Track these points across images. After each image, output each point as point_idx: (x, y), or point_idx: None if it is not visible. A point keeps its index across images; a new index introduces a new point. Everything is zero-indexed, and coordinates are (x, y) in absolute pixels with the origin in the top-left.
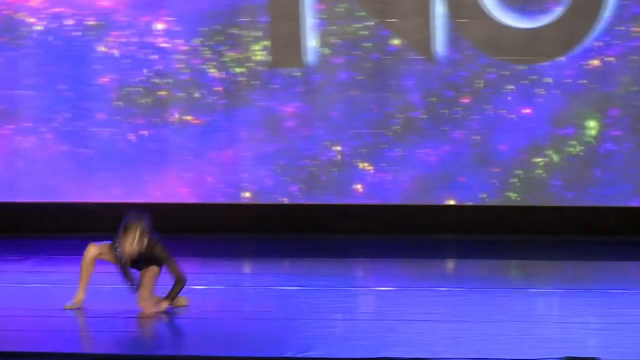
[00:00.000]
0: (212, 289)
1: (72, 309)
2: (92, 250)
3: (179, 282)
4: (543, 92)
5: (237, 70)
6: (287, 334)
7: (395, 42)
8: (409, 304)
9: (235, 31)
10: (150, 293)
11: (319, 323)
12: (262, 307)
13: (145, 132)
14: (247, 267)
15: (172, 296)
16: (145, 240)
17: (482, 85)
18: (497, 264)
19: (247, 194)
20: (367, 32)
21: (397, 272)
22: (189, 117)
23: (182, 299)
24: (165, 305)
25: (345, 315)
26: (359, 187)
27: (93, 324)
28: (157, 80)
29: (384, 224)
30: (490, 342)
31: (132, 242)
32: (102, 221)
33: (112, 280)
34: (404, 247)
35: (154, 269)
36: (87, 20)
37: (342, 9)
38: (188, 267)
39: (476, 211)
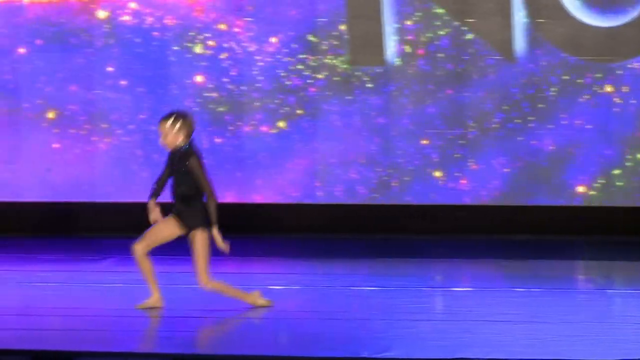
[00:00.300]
0: (290, 289)
1: (144, 308)
2: (137, 247)
3: (211, 201)
4: (627, 90)
5: (314, 72)
6: (364, 335)
7: (476, 42)
8: (485, 305)
9: (313, 33)
10: (206, 265)
11: (395, 323)
12: (339, 307)
13: (220, 137)
14: (324, 268)
15: (215, 220)
16: (185, 136)
17: (563, 84)
18: (574, 264)
19: (323, 194)
20: (446, 32)
21: (474, 272)
22: (266, 120)
23: (263, 300)
24: (219, 236)
25: (422, 316)
26: (441, 182)
27: (172, 324)
28: (233, 86)
29: (460, 224)
30: (567, 343)
31: (173, 131)
32: None
33: (187, 280)
34: (481, 247)
35: (200, 238)
36: (167, 22)
37: (422, 9)
38: (266, 267)
39: (552, 212)
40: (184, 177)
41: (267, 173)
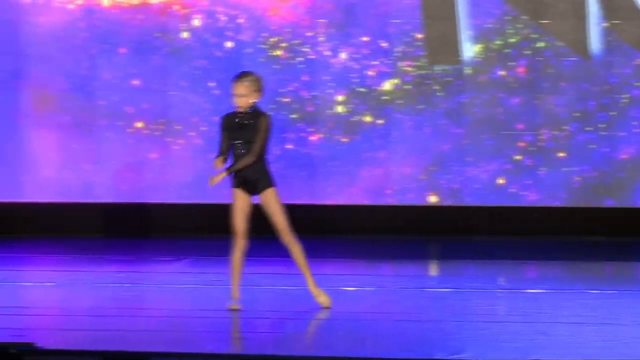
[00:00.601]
0: (363, 290)
1: (233, 309)
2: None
3: (251, 157)
4: None
5: (386, 78)
6: (437, 336)
7: (550, 43)
8: (559, 307)
9: (388, 38)
10: (285, 220)
11: (469, 325)
12: (412, 308)
13: (291, 143)
14: (397, 269)
15: (234, 168)
16: (258, 97)
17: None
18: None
19: (392, 196)
20: (521, 33)
21: (548, 274)
22: (339, 124)
23: (325, 298)
24: (219, 178)
25: (496, 318)
26: (509, 187)
27: (248, 324)
28: (307, 91)
29: (532, 226)
30: None
31: (249, 91)
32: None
33: (271, 281)
34: (554, 249)
35: (273, 196)
36: (243, 24)
37: (497, 9)
38: (340, 268)
39: (626, 213)
40: (252, 136)
41: (339, 176)
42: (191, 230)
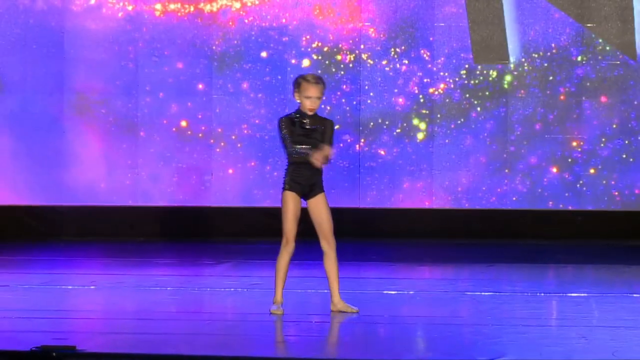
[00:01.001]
0: (404, 294)
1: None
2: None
3: (326, 149)
4: None
5: (448, 83)
6: (479, 339)
7: (597, 45)
8: (601, 310)
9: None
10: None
11: (509, 328)
12: (454, 312)
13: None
14: (439, 272)
15: (325, 163)
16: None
17: None
18: None
19: (436, 199)
20: (567, 35)
21: (590, 277)
22: (404, 129)
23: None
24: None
25: (537, 321)
26: (561, 187)
27: (291, 328)
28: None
29: (578, 230)
30: None
31: (321, 93)
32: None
33: (306, 284)
34: (597, 252)
35: (324, 200)
36: (290, 28)
37: (541, 12)
38: (381, 271)
39: None
40: (319, 140)
41: (409, 180)
42: (234, 234)
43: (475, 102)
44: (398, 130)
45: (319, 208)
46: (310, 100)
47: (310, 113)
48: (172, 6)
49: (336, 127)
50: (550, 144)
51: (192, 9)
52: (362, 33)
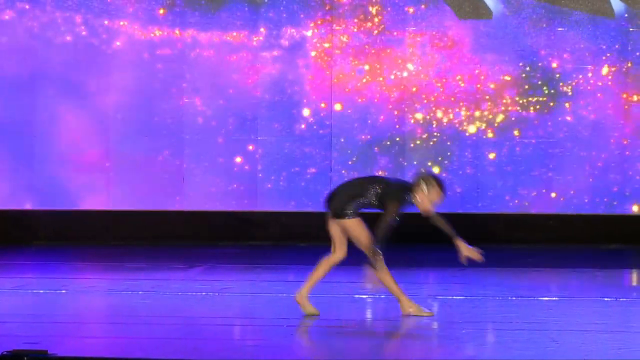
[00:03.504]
0: (376, 297)
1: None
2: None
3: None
4: None
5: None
6: (451, 342)
7: None
8: (572, 314)
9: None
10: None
11: (482, 332)
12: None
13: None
14: (410, 276)
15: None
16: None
17: None
18: None
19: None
20: None
21: (561, 281)
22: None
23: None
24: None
25: (509, 325)
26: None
27: (258, 332)
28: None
29: (549, 234)
30: None
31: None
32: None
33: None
34: (571, 256)
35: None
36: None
37: None
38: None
39: None
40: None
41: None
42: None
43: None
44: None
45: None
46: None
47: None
48: None
49: None
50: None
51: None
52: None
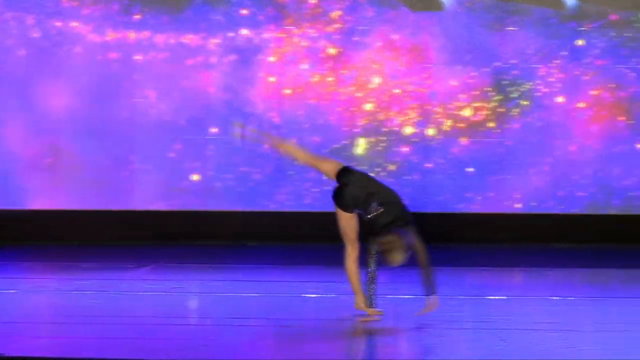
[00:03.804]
0: (324, 297)
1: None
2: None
3: None
4: None
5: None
6: (399, 342)
7: None
8: (520, 313)
9: None
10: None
11: (430, 331)
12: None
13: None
14: None
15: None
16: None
17: None
18: (612, 273)
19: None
20: None
21: (511, 280)
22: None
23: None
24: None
25: (457, 324)
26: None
27: (206, 332)
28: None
29: (499, 232)
30: (601, 352)
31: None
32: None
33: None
34: (520, 255)
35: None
36: None
37: None
38: (304, 275)
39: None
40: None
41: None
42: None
43: None
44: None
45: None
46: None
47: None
48: None
49: None
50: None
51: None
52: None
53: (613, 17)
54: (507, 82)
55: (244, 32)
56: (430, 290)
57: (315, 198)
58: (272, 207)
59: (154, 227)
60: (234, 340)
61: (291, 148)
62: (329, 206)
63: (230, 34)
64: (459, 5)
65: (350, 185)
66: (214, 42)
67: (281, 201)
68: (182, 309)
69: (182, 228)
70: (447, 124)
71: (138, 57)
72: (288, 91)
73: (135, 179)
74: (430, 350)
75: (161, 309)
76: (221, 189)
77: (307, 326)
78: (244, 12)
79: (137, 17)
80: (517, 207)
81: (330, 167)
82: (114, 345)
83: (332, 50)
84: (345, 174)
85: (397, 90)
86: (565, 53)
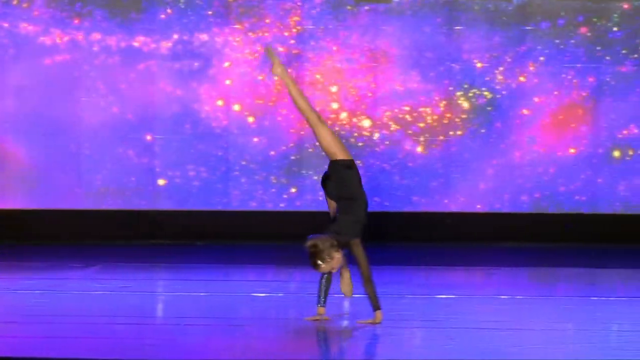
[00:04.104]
0: (273, 296)
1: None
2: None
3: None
4: None
5: None
6: (347, 341)
7: None
8: (468, 312)
9: None
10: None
11: (378, 330)
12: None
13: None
14: (310, 274)
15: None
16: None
17: None
18: (561, 271)
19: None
20: None
21: (459, 280)
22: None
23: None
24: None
25: (405, 323)
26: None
27: (155, 331)
28: None
29: (447, 233)
30: (548, 351)
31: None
32: None
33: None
34: (467, 254)
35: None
36: None
37: None
38: (251, 274)
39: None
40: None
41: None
42: (105, 237)
43: None
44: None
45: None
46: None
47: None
48: None
49: None
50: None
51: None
52: None
53: (561, 21)
54: (455, 87)
55: (196, 34)
56: (374, 305)
57: (262, 198)
58: (220, 207)
59: (102, 226)
60: (182, 340)
61: (311, 116)
62: (275, 205)
63: (175, 37)
64: (409, 6)
65: (332, 180)
66: (165, 44)
67: (229, 201)
68: (130, 309)
69: (130, 227)
70: (393, 127)
71: (87, 58)
72: (237, 93)
73: (83, 179)
74: (379, 349)
75: (108, 308)
76: (169, 188)
77: (257, 325)
78: (192, 16)
79: (86, 18)
80: (462, 207)
81: (341, 150)
82: (59, 345)
83: (283, 50)
84: (342, 166)
85: (347, 92)
86: (510, 60)
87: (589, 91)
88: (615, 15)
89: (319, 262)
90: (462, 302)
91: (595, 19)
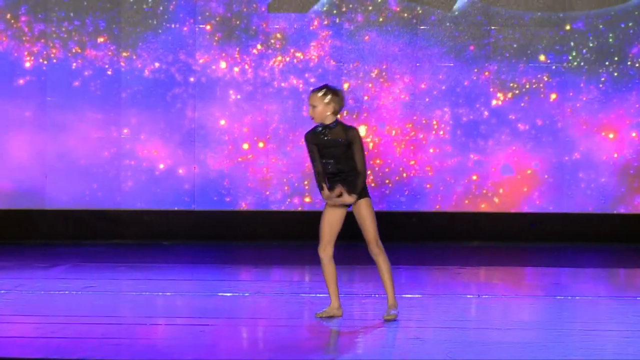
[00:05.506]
0: (239, 296)
1: (323, 317)
2: (322, 252)
3: (362, 175)
4: None
5: None
6: (314, 340)
7: None
8: (435, 311)
9: None
10: (376, 230)
11: (345, 329)
12: (291, 313)
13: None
14: (278, 274)
15: (356, 191)
16: (333, 112)
17: None
18: (530, 271)
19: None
20: None
21: (425, 279)
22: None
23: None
24: (350, 199)
25: (372, 322)
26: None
27: (122, 331)
28: None
29: (411, 232)
30: (515, 350)
31: (323, 102)
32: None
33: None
34: (433, 254)
35: (366, 206)
36: None
37: None
38: (219, 273)
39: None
40: (341, 151)
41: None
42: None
43: None
44: None
45: (360, 214)
46: (310, 108)
47: (315, 122)
48: None
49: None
50: None
51: None
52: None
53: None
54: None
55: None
56: (355, 189)
57: (225, 196)
58: (186, 207)
59: (69, 226)
60: (148, 340)
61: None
62: (236, 205)
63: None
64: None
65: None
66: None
67: (194, 200)
68: (95, 308)
69: (97, 227)
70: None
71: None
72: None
73: (49, 180)
74: (341, 350)
75: (74, 308)
76: (132, 188)
77: (223, 325)
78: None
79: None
80: (424, 204)
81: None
82: (24, 345)
83: (237, 70)
84: None
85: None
86: (451, 64)
87: None
88: None
89: (320, 94)
90: (428, 301)
91: None
